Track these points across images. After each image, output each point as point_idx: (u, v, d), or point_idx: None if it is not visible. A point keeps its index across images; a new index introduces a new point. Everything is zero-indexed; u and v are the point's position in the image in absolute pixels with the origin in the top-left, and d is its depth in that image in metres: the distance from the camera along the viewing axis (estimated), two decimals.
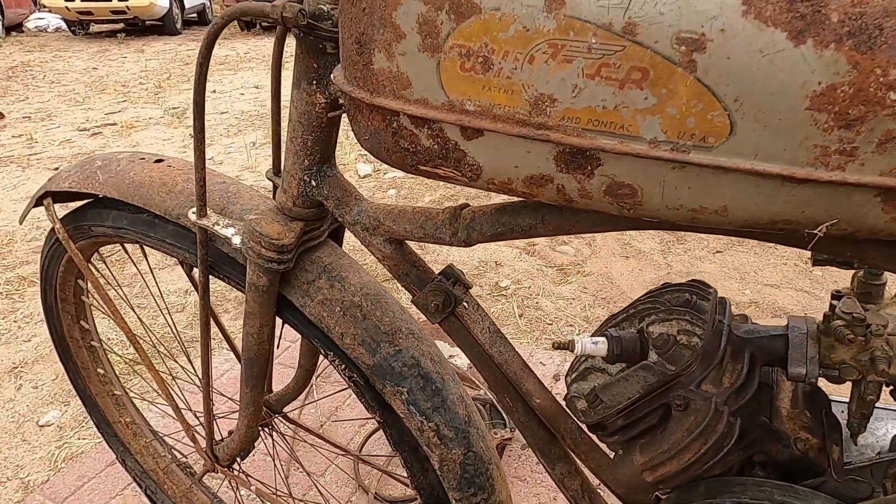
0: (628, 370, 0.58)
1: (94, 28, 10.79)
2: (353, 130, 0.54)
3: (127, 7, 9.29)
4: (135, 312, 1.13)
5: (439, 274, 0.71)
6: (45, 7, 10.37)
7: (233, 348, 1.13)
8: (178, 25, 10.05)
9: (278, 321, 0.81)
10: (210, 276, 0.83)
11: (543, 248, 2.77)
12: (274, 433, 1.17)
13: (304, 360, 1.01)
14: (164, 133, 4.77)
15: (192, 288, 0.86)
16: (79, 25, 10.05)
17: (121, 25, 10.60)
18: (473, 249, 2.78)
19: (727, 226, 0.42)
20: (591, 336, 0.61)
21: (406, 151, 0.48)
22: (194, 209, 0.73)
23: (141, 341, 1.05)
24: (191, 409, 1.21)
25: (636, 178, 0.41)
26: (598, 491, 0.77)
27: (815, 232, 0.40)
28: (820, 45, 0.34)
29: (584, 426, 0.69)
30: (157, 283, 1.14)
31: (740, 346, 0.58)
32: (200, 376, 0.97)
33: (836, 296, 0.59)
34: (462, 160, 0.46)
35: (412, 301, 0.71)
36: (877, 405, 0.58)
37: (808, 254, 0.45)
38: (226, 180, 0.83)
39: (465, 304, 0.70)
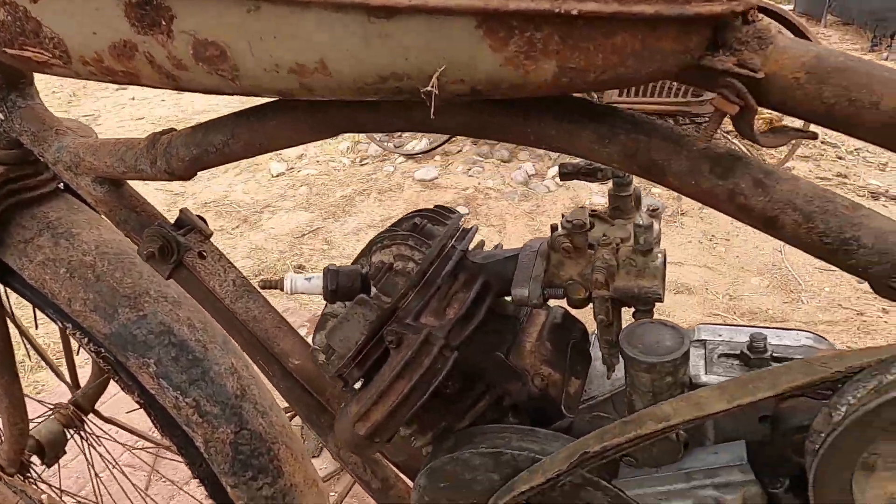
0: (347, 309, 0.49)
1: None
2: None
3: None
4: None
5: (175, 222, 0.61)
6: None
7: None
8: None
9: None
10: None
11: None
12: (86, 434, 1.04)
13: None
14: None
15: None
16: None
17: None
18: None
19: (341, 92, 0.34)
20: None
21: None
22: None
23: None
24: None
25: (218, 34, 0.33)
26: (382, 462, 0.68)
27: (428, 89, 0.32)
28: None
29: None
30: None
31: (474, 274, 0.50)
32: None
33: (593, 213, 0.52)
34: (40, 32, 0.37)
35: (138, 252, 0.61)
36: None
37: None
38: None
39: (201, 253, 0.60)
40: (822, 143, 3.65)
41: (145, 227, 0.60)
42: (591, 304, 0.47)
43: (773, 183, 0.36)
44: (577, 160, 0.48)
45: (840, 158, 3.48)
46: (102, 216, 0.70)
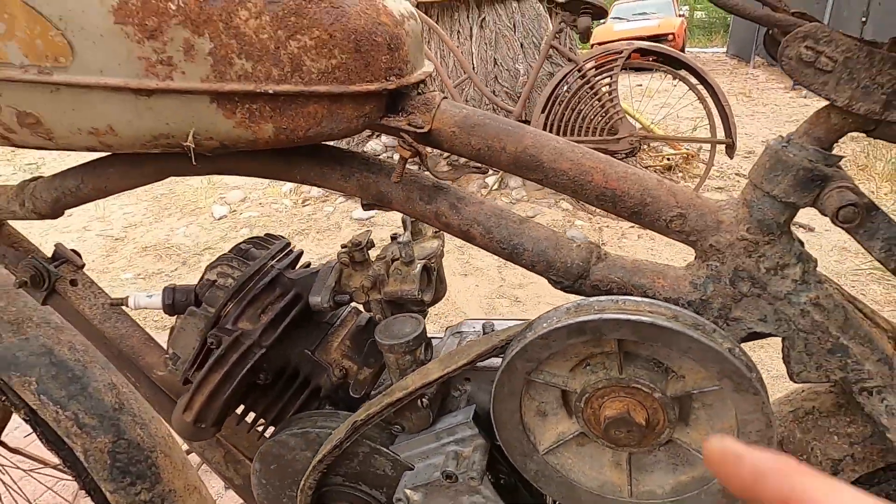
0: (182, 319, 0.60)
1: None
2: None
3: None
4: None
5: (51, 255, 0.71)
6: None
7: None
8: None
9: None
10: None
11: None
12: None
13: None
14: None
15: None
16: None
17: None
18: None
19: (129, 147, 0.46)
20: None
21: None
22: None
23: None
24: None
25: (33, 106, 0.44)
26: (245, 461, 0.78)
27: (187, 144, 0.44)
28: None
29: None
30: None
31: (288, 287, 0.62)
32: None
33: (393, 237, 0.65)
34: None
35: (14, 283, 0.70)
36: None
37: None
38: None
39: (72, 281, 0.70)
40: (737, 175, 3.95)
41: (21, 260, 0.70)
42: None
43: (464, 206, 0.49)
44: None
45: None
46: None
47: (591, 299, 0.42)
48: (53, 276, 0.69)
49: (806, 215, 3.32)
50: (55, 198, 0.62)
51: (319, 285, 0.59)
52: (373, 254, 0.61)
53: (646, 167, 3.66)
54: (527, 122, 3.18)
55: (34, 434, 0.80)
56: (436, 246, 0.62)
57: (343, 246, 0.59)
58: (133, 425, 0.80)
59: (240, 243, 0.65)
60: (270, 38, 0.40)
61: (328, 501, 0.63)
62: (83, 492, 0.84)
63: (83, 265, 0.73)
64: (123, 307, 0.63)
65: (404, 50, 0.43)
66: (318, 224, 3.33)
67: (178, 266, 3.01)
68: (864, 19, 6.18)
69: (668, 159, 3.84)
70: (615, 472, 0.48)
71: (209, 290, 0.59)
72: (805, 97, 7.34)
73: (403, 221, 0.65)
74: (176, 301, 0.62)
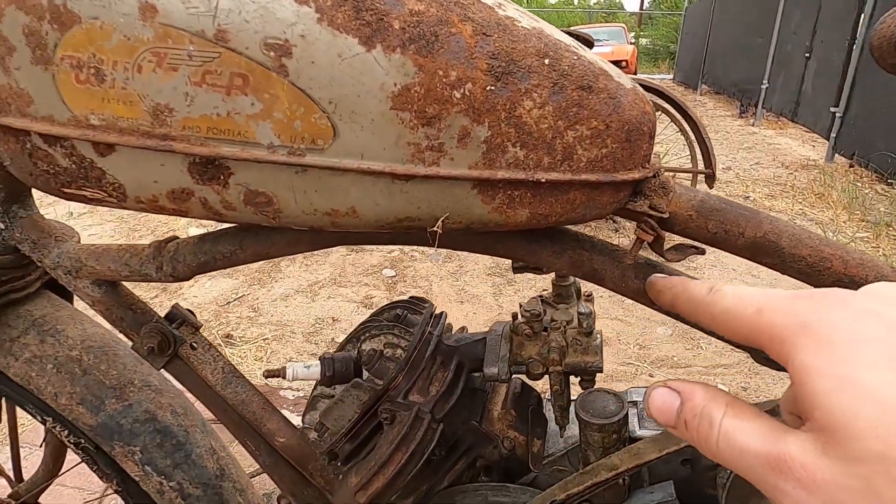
0: (342, 391, 0.57)
1: None
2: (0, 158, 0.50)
3: None
4: None
5: (165, 316, 0.66)
6: None
7: None
8: None
9: None
10: None
11: (381, 300, 2.77)
12: None
13: (48, 432, 0.89)
14: None
15: None
16: None
17: None
18: (310, 306, 2.71)
19: (364, 227, 0.44)
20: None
21: (47, 174, 0.45)
22: None
23: None
24: None
25: (268, 186, 0.42)
26: None
27: (434, 229, 0.42)
28: (388, 50, 0.37)
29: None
30: None
31: (449, 355, 0.60)
32: None
33: (521, 306, 0.64)
34: (103, 178, 0.44)
35: (132, 347, 0.66)
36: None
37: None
38: None
39: (192, 344, 0.66)
40: None
41: (140, 323, 0.65)
42: (546, 376, 0.58)
43: None
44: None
45: None
46: (82, 311, 0.74)
47: None
48: (179, 342, 0.64)
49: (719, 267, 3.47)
50: (202, 262, 0.58)
51: (492, 356, 0.58)
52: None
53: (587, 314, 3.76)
54: None
55: None
56: (589, 311, 0.61)
57: (517, 315, 0.58)
58: (234, 493, 0.75)
59: (390, 306, 0.63)
60: (550, 127, 0.39)
61: None
62: None
63: (200, 326, 0.68)
64: (280, 378, 0.60)
65: (654, 137, 0.43)
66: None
67: (158, 293, 2.88)
68: (807, 55, 6.61)
69: None
70: None
71: (378, 361, 0.57)
72: (752, 125, 7.76)
73: (553, 283, 0.64)
74: (336, 372, 0.59)
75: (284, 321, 2.58)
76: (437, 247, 0.47)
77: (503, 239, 0.51)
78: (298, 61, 0.38)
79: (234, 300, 2.79)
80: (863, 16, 5.36)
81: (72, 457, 0.98)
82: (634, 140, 0.41)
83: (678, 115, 3.20)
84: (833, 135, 5.48)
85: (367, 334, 0.60)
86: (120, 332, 0.65)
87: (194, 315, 0.69)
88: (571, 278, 0.64)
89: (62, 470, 0.97)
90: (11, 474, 0.99)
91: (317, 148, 0.40)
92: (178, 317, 0.67)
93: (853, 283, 0.45)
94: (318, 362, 0.59)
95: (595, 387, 0.57)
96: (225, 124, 0.40)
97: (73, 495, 1.57)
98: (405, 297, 0.66)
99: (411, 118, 0.38)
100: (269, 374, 0.61)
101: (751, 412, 0.24)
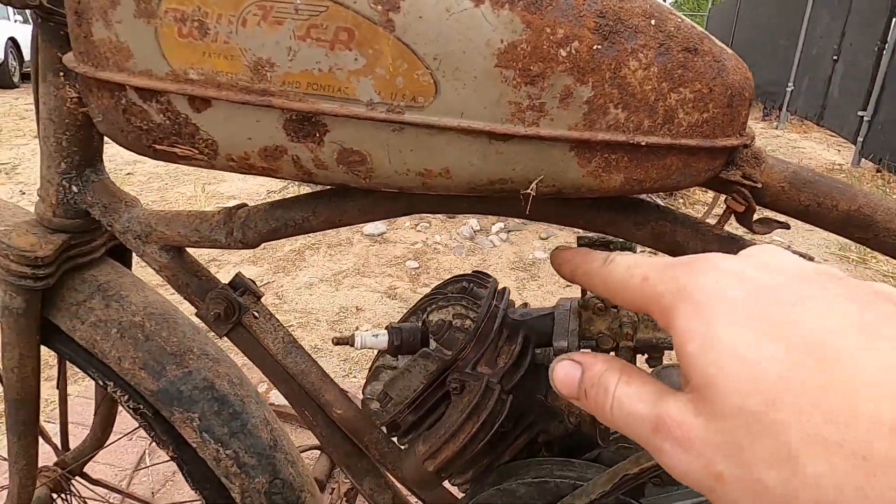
0: (409, 361, 0.57)
1: None
2: (91, 115, 0.51)
3: None
4: None
5: (228, 284, 0.67)
6: None
7: None
8: (16, 79, 9.21)
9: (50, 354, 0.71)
10: None
11: (405, 291, 2.78)
12: (72, 499, 1.02)
13: (100, 401, 0.90)
14: None
15: None
16: None
17: None
18: (334, 295, 2.72)
19: (455, 189, 0.44)
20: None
21: (140, 130, 0.46)
22: None
23: None
24: None
25: (363, 144, 0.42)
26: (410, 502, 0.74)
27: (528, 192, 0.42)
28: (496, 5, 0.37)
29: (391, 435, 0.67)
30: None
31: (515, 329, 0.59)
32: None
33: None
34: (196, 135, 0.44)
35: (196, 314, 0.66)
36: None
37: None
38: None
39: (254, 314, 0.67)
40: None
41: (205, 290, 0.65)
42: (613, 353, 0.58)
43: None
44: (592, 234, 0.60)
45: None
46: (141, 279, 0.75)
47: None
48: (243, 309, 0.65)
49: (805, 244, 3.44)
50: (273, 228, 0.58)
51: (561, 330, 0.57)
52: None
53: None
54: None
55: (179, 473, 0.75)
56: None
57: (585, 291, 0.58)
58: (286, 464, 0.76)
59: (456, 279, 0.63)
60: (653, 89, 0.39)
61: None
62: None
63: (262, 295, 0.69)
64: (348, 345, 0.60)
65: (752, 105, 0.43)
66: (327, 239, 3.27)
67: None
68: (835, 57, 6.51)
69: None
70: None
71: (447, 331, 0.57)
72: (776, 128, 7.67)
73: None
74: (403, 341, 0.59)
75: (309, 309, 2.60)
76: (522, 216, 0.47)
77: (584, 209, 0.50)
78: (406, 16, 0.37)
79: (259, 287, 2.80)
80: (894, 19, 5.27)
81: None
82: (735, 105, 0.41)
83: None
84: (860, 139, 5.40)
85: (433, 305, 0.60)
86: (184, 298, 0.66)
87: (255, 284, 0.69)
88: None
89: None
90: (58, 442, 1.00)
91: (417, 105, 0.40)
92: (241, 285, 0.67)
93: None
94: (386, 332, 0.60)
95: (665, 363, 0.57)
96: (325, 80, 0.40)
97: (105, 471, 1.60)
98: (468, 272, 0.66)
99: (515, 76, 0.38)
100: (339, 342, 0.62)
101: (642, 378, 0.25)
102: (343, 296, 2.72)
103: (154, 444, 0.73)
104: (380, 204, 0.55)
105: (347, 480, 1.44)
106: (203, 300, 0.65)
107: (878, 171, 5.12)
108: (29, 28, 9.57)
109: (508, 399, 0.55)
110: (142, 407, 0.71)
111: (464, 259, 3.09)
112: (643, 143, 0.40)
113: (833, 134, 6.62)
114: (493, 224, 3.39)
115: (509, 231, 3.34)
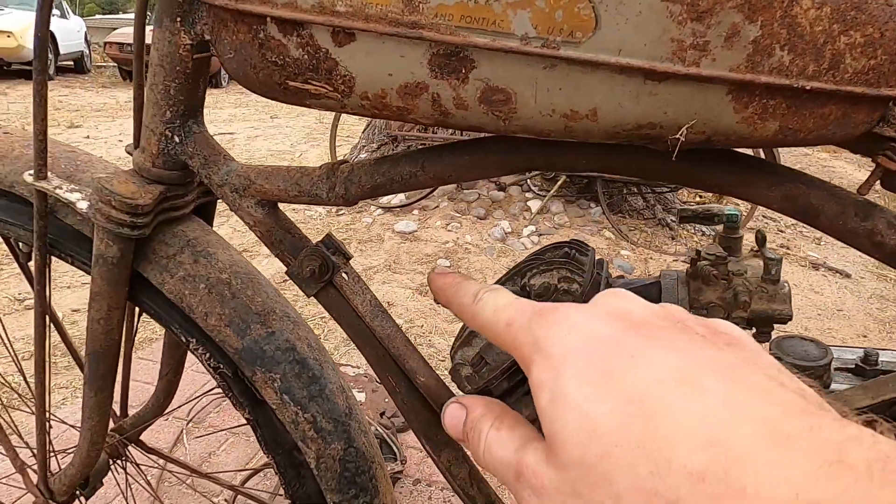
0: None
1: None
2: (218, 56, 0.51)
3: None
4: None
5: (318, 242, 0.66)
6: None
7: (76, 359, 0.99)
8: (51, 71, 9.41)
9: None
10: (51, 259, 0.72)
11: None
12: (129, 466, 1.02)
13: (166, 366, 0.90)
14: None
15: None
16: None
17: None
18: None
19: (598, 134, 0.43)
20: None
21: (274, 66, 0.45)
22: (31, 171, 0.64)
23: None
24: (26, 443, 1.03)
25: (510, 81, 0.41)
26: (486, 479, 0.73)
27: (676, 137, 0.41)
28: None
29: None
30: None
31: None
32: (33, 389, 0.83)
33: (698, 252, 0.62)
34: (334, 70, 0.44)
35: (287, 272, 0.66)
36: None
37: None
38: (76, 150, 0.75)
39: (344, 274, 0.66)
40: (764, 217, 4.02)
41: (297, 247, 0.65)
42: None
43: None
44: (695, 206, 0.59)
45: (781, 231, 3.83)
46: (225, 239, 0.75)
47: None
48: (336, 268, 0.64)
49: (840, 261, 3.38)
50: (378, 184, 0.58)
51: (670, 298, 0.56)
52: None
53: (684, 202, 3.70)
54: None
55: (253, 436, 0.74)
56: (777, 258, 0.59)
57: (693, 260, 0.56)
58: (360, 433, 0.75)
59: (558, 245, 0.62)
60: (823, 31, 0.38)
61: None
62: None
63: (351, 257, 0.68)
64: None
65: None
66: (358, 234, 3.28)
67: None
68: None
69: (700, 196, 3.90)
70: None
71: (553, 294, 0.56)
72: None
73: (716, 237, 0.62)
74: None
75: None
76: (646, 175, 0.46)
77: (713, 168, 0.49)
78: None
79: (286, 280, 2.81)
80: None
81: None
82: None
83: None
84: None
85: (534, 270, 0.59)
86: (276, 255, 0.65)
87: (345, 246, 0.68)
88: (741, 231, 0.62)
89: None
90: (118, 409, 1.00)
91: (573, 41, 0.39)
92: (332, 246, 0.67)
93: None
94: None
95: (777, 335, 0.55)
96: (480, 12, 0.39)
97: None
98: (567, 240, 0.64)
99: (682, 11, 0.37)
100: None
101: (511, 424, 0.26)
102: (374, 290, 2.72)
103: (228, 398, 0.72)
104: (495, 158, 0.54)
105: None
106: (295, 258, 0.64)
107: None
108: (63, 22, 9.77)
109: None
110: (221, 366, 0.71)
111: (495, 260, 3.07)
112: (807, 88, 0.38)
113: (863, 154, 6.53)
114: (525, 227, 3.37)
115: (541, 234, 3.32)
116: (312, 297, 0.65)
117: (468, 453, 0.71)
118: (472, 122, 0.44)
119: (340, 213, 3.64)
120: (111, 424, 1.01)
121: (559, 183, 3.16)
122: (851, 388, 0.48)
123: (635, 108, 0.41)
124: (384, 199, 3.68)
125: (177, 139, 0.62)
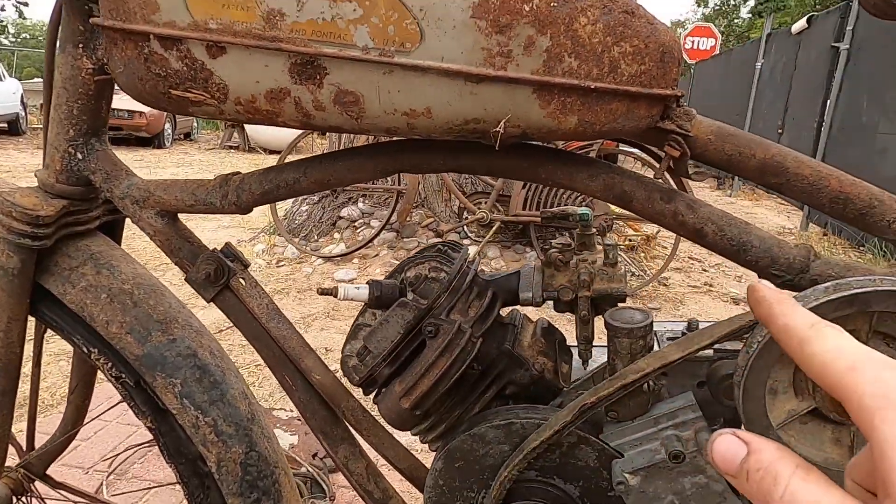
0: (387, 312, 0.62)
1: None
2: (111, 72, 0.57)
3: None
4: None
5: (221, 251, 0.71)
6: None
7: None
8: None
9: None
10: None
11: None
12: (34, 502, 0.99)
13: (75, 379, 0.91)
14: None
15: None
16: None
17: None
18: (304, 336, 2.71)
19: (436, 131, 0.51)
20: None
21: (158, 77, 0.52)
22: None
23: None
24: None
25: (357, 85, 0.49)
26: (383, 473, 0.77)
27: (497, 130, 0.49)
28: None
29: (368, 405, 0.71)
30: None
31: (484, 287, 0.65)
32: None
33: (550, 244, 0.70)
34: (209, 80, 0.51)
35: (185, 278, 0.70)
36: (596, 345, 0.68)
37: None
38: None
39: (241, 280, 0.71)
40: (690, 258, 4.26)
41: (195, 255, 0.70)
42: (572, 307, 0.64)
43: (699, 206, 0.57)
44: (553, 209, 0.68)
45: (705, 271, 4.05)
46: (130, 254, 0.79)
47: (844, 280, 0.50)
48: (231, 272, 0.69)
49: None
50: (266, 191, 0.64)
51: (526, 284, 0.63)
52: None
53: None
54: (507, 196, 3.35)
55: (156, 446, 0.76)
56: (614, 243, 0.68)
57: (550, 246, 0.64)
58: (262, 438, 0.77)
59: (428, 246, 0.69)
60: (600, 42, 0.47)
61: (514, 499, 0.64)
62: None
63: (249, 264, 0.73)
64: (332, 296, 0.65)
65: (682, 65, 0.52)
66: (297, 283, 3.28)
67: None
68: (780, 131, 7.00)
69: (630, 240, 4.10)
70: (836, 449, 0.54)
71: (423, 282, 0.62)
72: (729, 196, 8.09)
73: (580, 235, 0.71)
74: (383, 293, 0.64)
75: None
76: (491, 173, 0.54)
77: (543, 164, 0.58)
78: None
79: (227, 328, 2.78)
80: (829, 100, 5.75)
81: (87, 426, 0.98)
82: (667, 62, 0.50)
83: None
84: (806, 206, 5.74)
85: (410, 265, 0.66)
86: (175, 262, 0.70)
87: (243, 255, 0.74)
88: (593, 228, 0.71)
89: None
90: (23, 440, 0.99)
91: (405, 50, 0.47)
92: (231, 253, 0.72)
93: (848, 200, 0.53)
94: (367, 284, 0.64)
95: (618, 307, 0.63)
96: (328, 28, 0.47)
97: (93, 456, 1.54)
98: (442, 240, 0.72)
99: (487, 26, 0.46)
100: (323, 292, 0.66)
101: (820, 478, 0.24)
102: (312, 338, 2.71)
103: (130, 407, 0.75)
104: (368, 163, 0.61)
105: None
106: (193, 264, 0.69)
107: (824, 234, 5.44)
108: None
109: (478, 341, 0.60)
110: (123, 375, 0.73)
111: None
112: (593, 87, 0.48)
113: (783, 202, 7.03)
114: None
115: None
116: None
117: (364, 449, 0.76)
118: (331, 122, 0.52)
119: (280, 265, 3.65)
120: (16, 457, 0.99)
121: (493, 229, 3.30)
122: (667, 346, 0.56)
123: (462, 106, 0.49)
124: (325, 249, 3.72)
125: (80, 156, 0.67)
